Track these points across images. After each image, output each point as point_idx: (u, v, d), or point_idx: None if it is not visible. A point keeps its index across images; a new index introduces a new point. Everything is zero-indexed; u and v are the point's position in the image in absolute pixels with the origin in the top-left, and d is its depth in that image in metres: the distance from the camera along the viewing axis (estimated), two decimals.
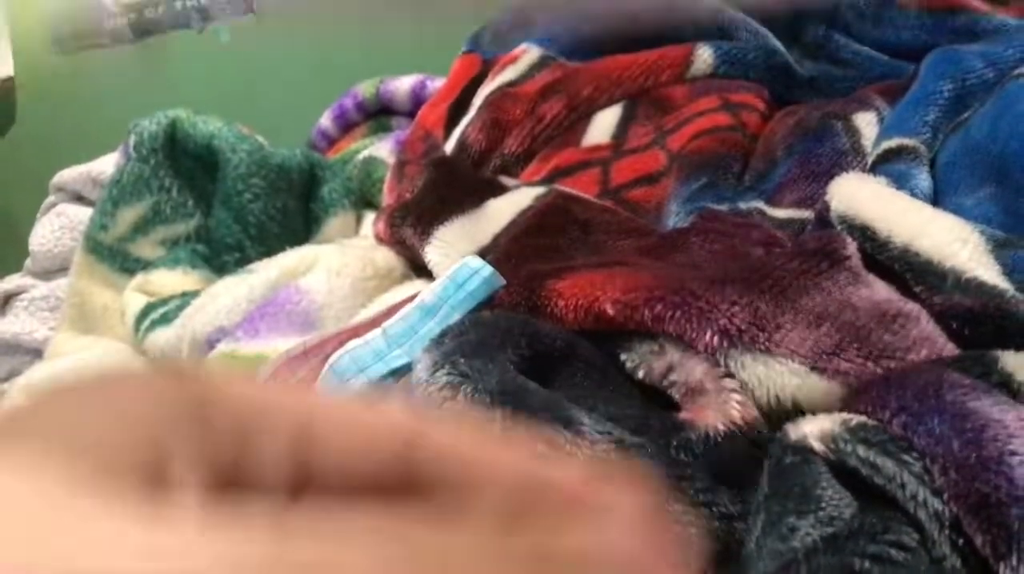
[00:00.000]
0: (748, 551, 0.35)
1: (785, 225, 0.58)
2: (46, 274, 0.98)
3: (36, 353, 0.87)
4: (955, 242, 0.44)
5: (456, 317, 0.43)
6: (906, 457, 0.33)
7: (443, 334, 0.43)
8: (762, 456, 0.38)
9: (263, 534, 0.12)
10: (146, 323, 0.68)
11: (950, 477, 0.31)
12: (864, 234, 0.47)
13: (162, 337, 0.65)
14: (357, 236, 0.80)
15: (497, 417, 0.38)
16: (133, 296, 0.74)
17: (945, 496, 0.31)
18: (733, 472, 0.38)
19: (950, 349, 0.42)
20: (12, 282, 0.98)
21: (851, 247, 0.47)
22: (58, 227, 0.97)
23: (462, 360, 0.40)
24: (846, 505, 0.34)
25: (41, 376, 0.72)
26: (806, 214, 0.59)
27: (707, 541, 0.35)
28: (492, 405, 0.38)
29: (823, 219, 0.52)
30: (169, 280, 0.74)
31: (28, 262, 0.99)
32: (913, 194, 0.51)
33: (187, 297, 0.68)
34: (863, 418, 0.35)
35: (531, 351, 0.42)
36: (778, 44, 0.77)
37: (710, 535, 0.36)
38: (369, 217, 0.83)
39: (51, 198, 1.02)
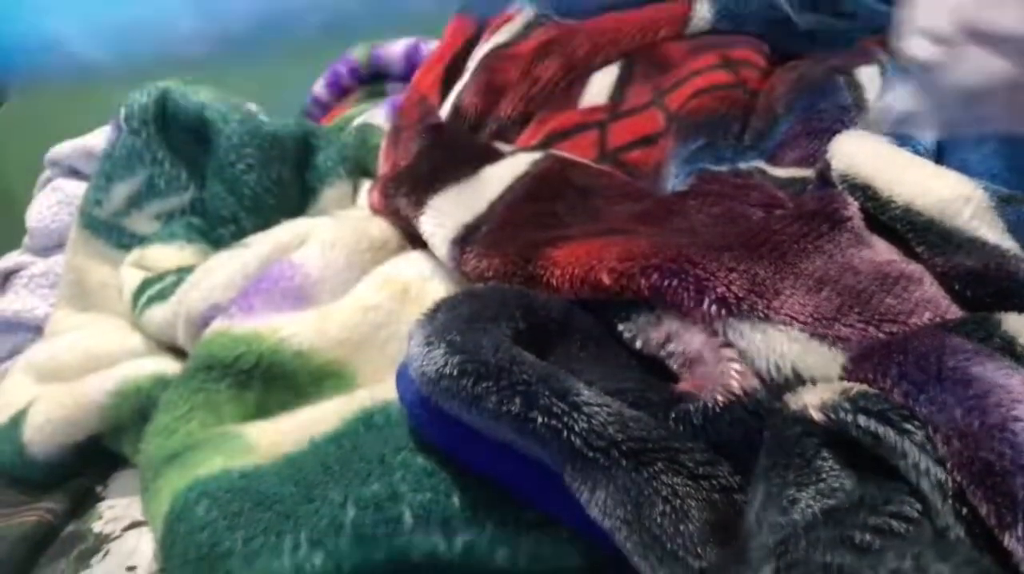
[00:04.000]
0: (748, 523, 0.35)
1: (786, 184, 0.57)
2: (45, 250, 0.97)
3: (37, 330, 0.86)
4: (957, 200, 0.43)
5: None
6: (907, 426, 0.32)
7: (436, 308, 0.42)
8: (762, 427, 0.37)
9: None
10: (143, 299, 0.67)
11: (953, 446, 0.31)
12: (865, 193, 0.46)
13: (159, 314, 0.64)
14: (353, 206, 0.79)
15: (493, 389, 0.37)
16: (130, 272, 0.73)
17: (948, 465, 0.31)
18: (732, 443, 0.38)
19: (953, 311, 0.41)
20: (11, 259, 0.97)
21: (852, 207, 0.46)
22: (55, 202, 0.96)
23: (456, 334, 0.40)
24: (847, 476, 0.33)
25: (42, 355, 0.72)
26: (808, 173, 0.58)
27: (707, 513, 0.35)
28: (487, 378, 0.38)
29: (824, 178, 0.51)
30: (165, 255, 0.74)
31: (26, 239, 0.99)
32: (916, 151, 0.50)
33: (183, 273, 0.67)
34: (863, 387, 0.34)
35: (526, 323, 0.42)
36: None
37: (710, 507, 0.35)
38: (366, 186, 0.82)
39: (47, 173, 1.01)
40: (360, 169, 0.84)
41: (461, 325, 0.40)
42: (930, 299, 0.41)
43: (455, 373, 0.38)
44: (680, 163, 0.62)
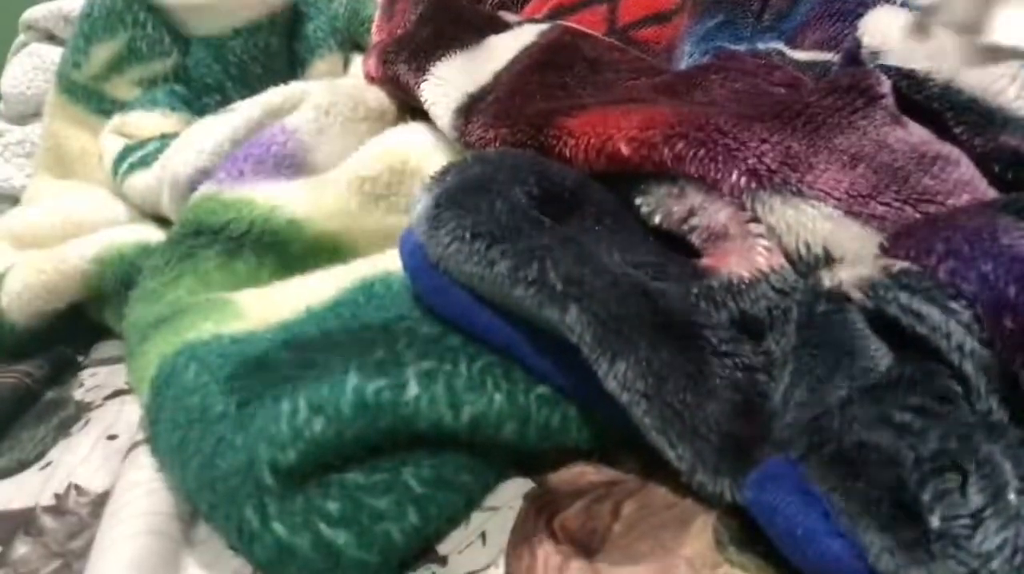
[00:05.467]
0: (773, 403, 0.33)
1: (806, 68, 0.54)
2: (21, 118, 0.93)
3: (14, 201, 0.83)
4: (1002, 78, 0.40)
5: None
6: (953, 305, 0.30)
7: (445, 171, 0.40)
8: (788, 305, 0.35)
9: None
10: (124, 166, 0.64)
11: (1005, 325, 0.29)
12: (900, 72, 0.43)
13: (141, 180, 0.61)
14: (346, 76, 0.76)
15: (508, 253, 0.35)
16: (110, 138, 0.69)
17: (997, 347, 0.29)
18: (756, 322, 0.36)
19: (991, 194, 0.39)
20: None
21: (886, 85, 0.43)
22: (30, 68, 0.92)
23: (467, 196, 0.37)
24: (883, 355, 0.32)
25: (19, 221, 0.69)
26: (829, 56, 0.55)
27: (729, 391, 0.33)
28: (502, 241, 0.35)
29: (853, 58, 0.48)
30: (148, 122, 0.70)
31: (1, 106, 0.94)
32: None
33: (166, 139, 0.64)
34: (906, 263, 0.32)
35: (539, 190, 0.39)
36: None
37: (732, 386, 0.33)
38: (357, 59, 0.78)
39: (22, 37, 0.96)
40: (351, 42, 0.80)
41: (473, 187, 0.37)
42: (968, 181, 0.38)
43: (467, 236, 0.36)
44: (696, 41, 0.59)
